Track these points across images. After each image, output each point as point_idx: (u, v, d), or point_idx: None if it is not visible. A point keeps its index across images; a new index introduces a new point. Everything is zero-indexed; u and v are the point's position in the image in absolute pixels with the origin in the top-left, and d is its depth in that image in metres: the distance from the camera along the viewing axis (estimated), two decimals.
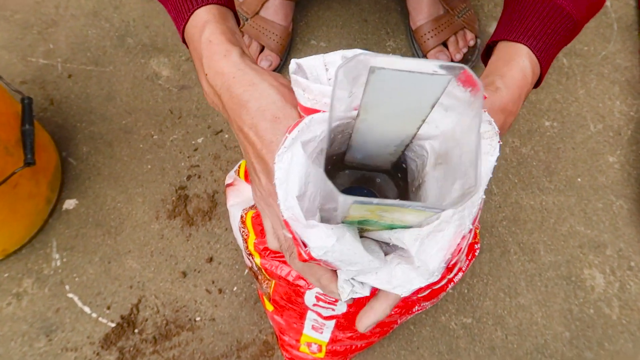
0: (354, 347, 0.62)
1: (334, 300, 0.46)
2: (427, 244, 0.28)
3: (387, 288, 0.29)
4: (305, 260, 0.28)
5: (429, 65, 0.20)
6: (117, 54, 0.88)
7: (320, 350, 0.61)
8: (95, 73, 0.87)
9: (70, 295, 0.73)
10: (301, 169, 0.28)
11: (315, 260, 0.28)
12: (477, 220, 0.30)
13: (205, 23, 0.37)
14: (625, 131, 0.86)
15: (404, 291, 0.29)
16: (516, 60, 0.40)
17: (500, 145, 0.30)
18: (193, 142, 0.83)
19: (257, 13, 0.84)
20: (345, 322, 0.52)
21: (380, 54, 0.21)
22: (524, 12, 0.41)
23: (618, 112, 0.87)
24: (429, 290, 0.29)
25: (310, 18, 0.93)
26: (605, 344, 0.73)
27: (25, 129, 0.66)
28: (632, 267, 0.77)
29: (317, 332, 0.57)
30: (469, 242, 0.29)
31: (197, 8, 0.38)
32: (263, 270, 0.50)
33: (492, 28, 0.93)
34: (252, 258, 0.50)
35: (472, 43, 0.87)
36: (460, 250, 0.28)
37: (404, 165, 0.34)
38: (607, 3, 0.96)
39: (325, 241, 0.27)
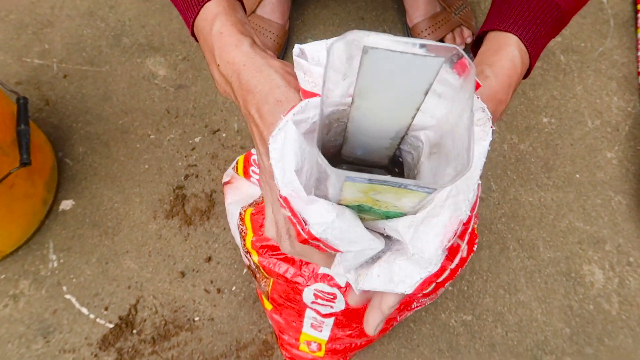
0: (353, 345, 0.61)
1: (332, 297, 0.46)
2: (421, 230, 0.27)
3: (390, 288, 0.29)
4: (304, 241, 0.28)
5: (420, 47, 0.20)
6: (113, 54, 0.88)
7: (319, 349, 0.61)
8: (91, 73, 0.86)
9: (67, 296, 0.73)
10: (295, 145, 0.28)
11: (314, 239, 0.28)
12: (475, 209, 0.29)
13: (215, 15, 0.38)
14: (623, 127, 0.86)
15: (407, 287, 0.28)
16: (505, 50, 0.41)
17: (493, 131, 0.30)
18: (190, 141, 0.82)
19: (254, 11, 0.84)
20: (345, 319, 0.52)
21: (374, 32, 0.21)
22: (513, 2, 0.42)
23: (615, 108, 0.87)
24: (433, 285, 0.29)
25: (307, 16, 0.92)
26: (605, 340, 0.73)
27: (21, 129, 0.65)
28: (631, 262, 0.77)
29: (316, 330, 0.57)
30: (470, 231, 0.29)
31: (207, 1, 0.39)
32: (261, 268, 0.49)
33: None
34: (250, 256, 0.50)
35: (469, 40, 0.87)
36: (455, 234, 0.27)
37: (400, 160, 0.33)
38: None
39: (325, 217, 0.26)
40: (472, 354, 0.71)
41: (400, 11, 0.92)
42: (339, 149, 0.32)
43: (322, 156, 0.21)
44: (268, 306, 0.59)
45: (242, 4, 0.43)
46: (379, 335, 0.61)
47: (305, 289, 0.46)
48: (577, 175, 0.82)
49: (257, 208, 0.48)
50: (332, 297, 0.46)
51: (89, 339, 0.70)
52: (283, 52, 0.88)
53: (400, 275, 0.28)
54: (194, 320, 0.72)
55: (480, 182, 0.29)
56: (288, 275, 0.46)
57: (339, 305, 0.48)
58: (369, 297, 0.35)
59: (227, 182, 0.57)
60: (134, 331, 0.71)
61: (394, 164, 0.34)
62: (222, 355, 0.70)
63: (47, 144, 0.78)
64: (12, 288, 0.73)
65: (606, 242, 0.78)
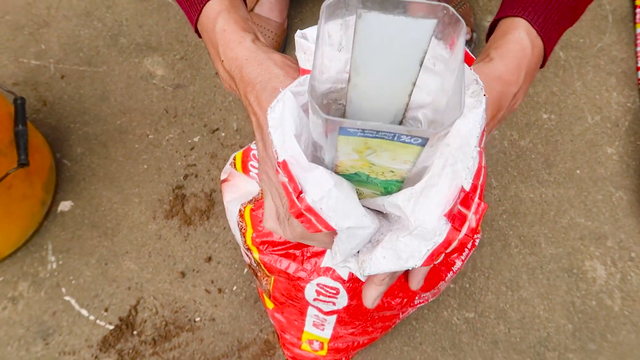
0: (356, 343, 0.61)
1: (335, 292, 0.45)
2: (421, 201, 0.27)
3: (400, 265, 0.29)
4: (297, 214, 0.28)
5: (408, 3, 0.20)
6: (110, 54, 0.87)
7: (322, 348, 0.61)
8: (88, 73, 0.86)
9: (67, 298, 0.72)
10: (294, 112, 0.28)
11: (308, 210, 0.27)
12: (480, 178, 0.29)
13: (218, 13, 0.39)
14: (623, 122, 0.86)
15: (417, 261, 0.28)
16: (512, 33, 0.40)
17: (486, 99, 0.30)
18: (189, 141, 0.82)
19: (252, 10, 0.84)
20: (347, 317, 0.51)
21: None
22: None
23: (615, 103, 0.87)
24: (443, 256, 0.29)
25: (305, 15, 0.92)
26: (608, 336, 0.72)
27: (19, 129, 0.65)
28: (633, 258, 0.77)
29: (318, 328, 0.57)
30: (478, 202, 0.29)
31: (209, 0, 0.40)
32: (262, 266, 0.49)
33: (487, 22, 0.93)
34: (251, 253, 0.49)
35: (468, 37, 0.86)
36: (455, 202, 0.27)
37: None
38: None
39: (323, 184, 0.26)
40: (474, 352, 0.71)
41: None
42: None
43: (317, 106, 0.21)
44: (269, 305, 0.59)
45: (245, 1, 0.43)
46: (381, 333, 0.60)
47: (307, 286, 0.46)
48: (578, 171, 0.82)
49: (257, 204, 0.48)
50: (334, 292, 0.46)
51: (89, 340, 0.70)
52: (281, 51, 0.87)
53: (407, 251, 0.28)
54: (194, 321, 0.71)
55: (479, 149, 0.29)
56: (290, 271, 0.46)
57: (342, 302, 0.47)
58: (384, 291, 0.35)
59: (225, 180, 0.56)
60: (135, 332, 0.70)
61: None
62: (224, 356, 0.70)
63: (45, 144, 0.77)
64: (11, 290, 0.72)
65: (608, 237, 0.78)
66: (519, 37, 0.40)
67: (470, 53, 0.36)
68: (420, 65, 0.22)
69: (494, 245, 0.77)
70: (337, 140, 0.23)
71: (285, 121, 0.28)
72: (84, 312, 0.71)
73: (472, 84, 0.30)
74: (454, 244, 0.28)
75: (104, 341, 0.70)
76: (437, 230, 0.27)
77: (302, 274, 0.45)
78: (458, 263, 0.47)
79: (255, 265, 0.51)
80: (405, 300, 0.48)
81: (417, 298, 0.49)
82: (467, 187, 0.28)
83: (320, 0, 0.93)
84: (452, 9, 0.22)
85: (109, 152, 0.81)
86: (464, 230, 0.28)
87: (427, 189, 0.27)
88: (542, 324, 0.73)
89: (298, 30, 0.35)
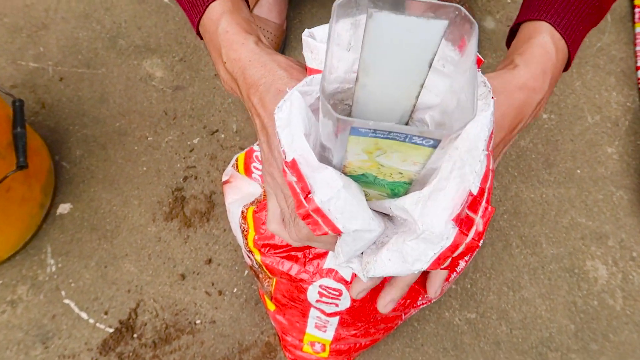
0: (357, 345, 0.61)
1: (337, 294, 0.45)
2: (429, 205, 0.27)
3: (406, 268, 0.28)
4: (305, 215, 0.28)
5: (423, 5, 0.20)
6: (109, 56, 0.87)
7: (324, 350, 0.60)
8: (87, 75, 0.85)
9: (66, 301, 0.72)
10: (303, 111, 0.28)
11: (316, 211, 0.27)
12: (488, 181, 0.29)
13: (221, 15, 0.39)
14: (623, 122, 0.86)
15: (423, 264, 0.28)
16: (536, 38, 0.39)
17: (495, 101, 0.30)
18: (189, 142, 0.82)
19: (251, 11, 0.84)
20: (350, 318, 0.51)
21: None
22: None
23: (615, 103, 0.87)
24: (449, 260, 0.29)
25: (304, 16, 0.92)
26: (610, 336, 0.72)
27: (17, 132, 0.65)
28: (635, 257, 0.77)
29: (320, 330, 0.56)
30: (485, 206, 0.28)
31: (213, 1, 0.40)
32: (264, 267, 0.48)
33: (487, 22, 0.93)
34: (252, 255, 0.49)
35: None
36: (463, 206, 0.27)
37: None
38: None
39: (332, 185, 0.26)
40: (476, 353, 0.71)
41: None
42: None
43: (329, 106, 0.21)
44: (271, 307, 0.58)
45: (247, 3, 0.43)
46: (383, 334, 0.60)
47: (310, 287, 0.46)
48: (578, 171, 0.82)
49: (260, 206, 0.48)
50: (337, 294, 0.45)
51: (88, 344, 0.69)
52: (280, 52, 0.87)
53: (413, 254, 0.28)
54: (195, 323, 0.71)
55: (487, 153, 0.29)
56: (292, 273, 0.45)
57: (344, 303, 0.47)
58: (371, 287, 0.35)
59: (227, 182, 0.56)
60: (135, 335, 0.70)
61: None
62: (224, 358, 0.69)
63: (43, 147, 0.77)
64: (9, 294, 0.72)
65: (609, 237, 0.78)
66: (543, 41, 0.39)
67: (478, 55, 0.36)
68: (429, 67, 0.22)
69: (495, 246, 0.77)
70: (347, 141, 0.23)
71: (293, 120, 0.28)
72: (84, 315, 0.71)
73: (480, 86, 0.30)
74: (461, 248, 0.28)
75: (104, 344, 0.69)
76: (444, 235, 0.27)
77: (304, 276, 0.45)
78: (461, 263, 0.47)
79: (257, 267, 0.51)
80: (409, 301, 0.48)
81: (420, 299, 0.48)
82: (475, 191, 0.27)
83: (319, 2, 0.93)
84: (464, 10, 0.22)
85: (108, 154, 0.80)
86: (471, 234, 0.27)
87: (435, 192, 0.27)
88: (544, 324, 0.72)
89: (305, 30, 0.35)
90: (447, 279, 0.47)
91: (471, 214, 0.28)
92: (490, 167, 0.29)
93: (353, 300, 0.47)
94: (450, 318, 0.72)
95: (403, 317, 0.56)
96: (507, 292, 0.74)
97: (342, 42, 0.26)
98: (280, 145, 0.28)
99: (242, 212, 0.48)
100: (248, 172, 0.50)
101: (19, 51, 0.86)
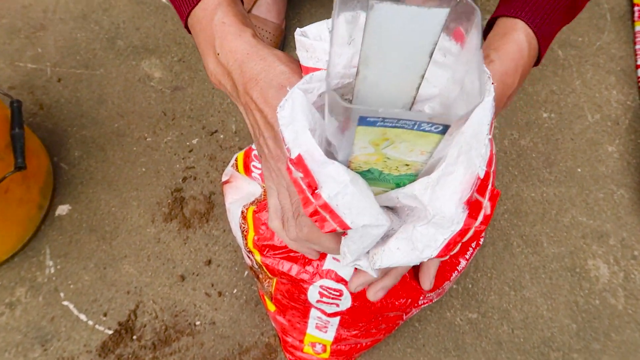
0: (358, 345, 0.60)
1: (338, 294, 0.45)
2: (438, 190, 0.27)
3: (415, 256, 0.28)
4: (312, 212, 0.27)
5: None
6: (107, 57, 0.87)
7: (324, 350, 0.60)
8: (85, 76, 0.85)
9: (65, 303, 0.71)
10: (306, 108, 0.28)
11: (323, 207, 0.27)
12: (492, 165, 0.29)
13: (217, 6, 0.38)
14: (623, 120, 0.85)
15: (433, 251, 0.28)
16: (512, 34, 0.41)
17: (494, 86, 0.30)
18: (188, 143, 0.81)
19: (249, 11, 0.83)
20: (350, 318, 0.51)
21: None
22: None
23: (615, 101, 0.87)
24: (459, 246, 0.28)
25: (303, 15, 0.92)
26: (612, 335, 0.72)
27: (15, 132, 0.64)
28: (636, 256, 0.76)
29: (321, 331, 0.56)
30: (491, 189, 0.28)
31: None
32: (264, 268, 0.48)
33: (485, 21, 0.93)
34: (252, 256, 0.49)
35: None
36: (472, 189, 0.27)
37: None
38: None
39: (339, 179, 0.26)
40: (478, 353, 0.70)
41: None
42: None
43: (337, 97, 0.21)
44: (271, 307, 0.58)
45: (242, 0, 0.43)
46: (384, 335, 0.60)
47: (310, 287, 0.45)
48: (579, 170, 0.82)
49: (259, 206, 0.47)
50: (338, 294, 0.45)
51: (88, 346, 0.69)
52: None
53: (423, 240, 0.28)
54: (195, 325, 0.70)
55: (491, 137, 0.29)
56: (292, 273, 0.45)
57: (345, 304, 0.46)
58: (370, 281, 0.35)
59: (226, 182, 0.56)
60: (134, 337, 0.69)
61: None
62: None
63: (42, 148, 0.77)
64: (8, 296, 0.71)
65: (610, 236, 0.77)
66: (518, 38, 0.40)
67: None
68: (430, 57, 0.22)
69: (496, 245, 0.76)
70: (354, 133, 0.23)
71: (296, 117, 0.28)
72: (83, 317, 0.70)
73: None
74: (470, 233, 0.27)
75: (103, 346, 0.69)
76: (455, 218, 0.27)
77: (304, 276, 0.45)
78: (463, 262, 0.47)
79: (257, 267, 0.51)
80: (410, 300, 0.47)
81: (421, 298, 0.48)
82: (482, 175, 0.27)
83: (318, 2, 0.93)
84: None
85: (106, 155, 0.80)
86: (480, 217, 0.27)
87: (444, 177, 0.27)
88: (545, 324, 0.72)
89: (297, 29, 0.34)
90: (448, 278, 0.47)
91: (479, 198, 0.28)
92: (493, 152, 0.30)
93: (354, 300, 0.46)
94: (452, 318, 0.72)
95: (404, 317, 0.56)
96: (509, 291, 0.74)
97: (344, 36, 0.26)
98: (285, 143, 0.28)
99: (242, 212, 0.48)
100: (247, 171, 0.49)
101: (17, 52, 0.86)
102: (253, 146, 0.51)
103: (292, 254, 0.46)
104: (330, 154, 0.27)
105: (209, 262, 0.74)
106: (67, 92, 0.84)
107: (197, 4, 0.39)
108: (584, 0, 0.44)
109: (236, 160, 0.51)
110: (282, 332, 0.61)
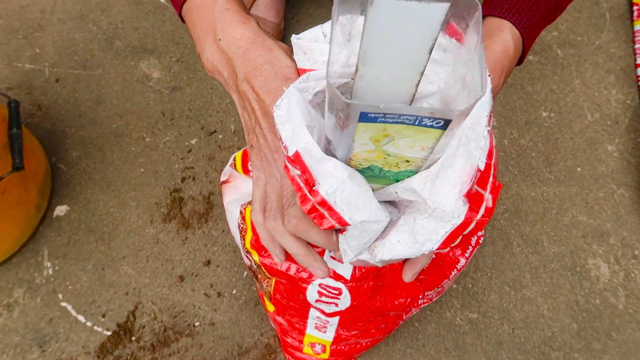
0: (358, 345, 0.60)
1: (337, 292, 0.44)
2: (438, 184, 0.27)
3: (416, 249, 0.28)
4: (310, 209, 0.27)
5: None
6: (105, 57, 0.86)
7: (324, 351, 0.60)
8: (83, 77, 0.85)
9: (63, 304, 0.71)
10: (302, 105, 0.28)
11: (321, 204, 0.27)
12: (493, 158, 0.29)
13: None
14: (623, 119, 0.85)
15: (434, 244, 0.28)
16: (498, 35, 0.41)
17: (491, 78, 0.30)
18: (186, 143, 0.81)
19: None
20: (350, 318, 0.50)
21: None
22: None
23: (614, 100, 0.87)
24: (460, 238, 0.28)
25: (301, 15, 0.92)
26: (613, 334, 0.71)
27: (13, 133, 0.64)
28: (637, 255, 0.76)
29: (320, 331, 0.56)
30: (492, 181, 0.28)
31: None
32: (262, 268, 0.48)
33: None
34: (251, 256, 0.48)
35: None
36: (472, 182, 0.27)
37: None
38: None
39: (337, 175, 0.26)
40: (479, 353, 0.70)
41: None
42: None
43: (338, 93, 0.21)
44: (270, 308, 0.58)
45: None
46: (384, 335, 0.60)
47: (309, 286, 0.45)
48: (579, 169, 0.81)
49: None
50: (337, 292, 0.45)
51: (86, 347, 0.68)
52: None
53: (424, 234, 0.28)
54: (194, 326, 0.70)
55: (489, 128, 0.28)
56: (291, 273, 0.45)
57: (344, 303, 0.46)
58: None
59: (225, 181, 0.55)
60: (133, 338, 0.69)
61: None
62: None
63: (40, 149, 0.76)
64: (6, 297, 0.71)
65: (610, 235, 0.77)
66: (505, 39, 0.41)
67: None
68: (430, 53, 0.22)
69: (496, 245, 0.76)
70: (355, 130, 0.22)
71: (293, 115, 0.27)
72: (81, 318, 0.70)
73: None
74: (472, 225, 0.27)
75: (102, 348, 0.68)
76: (455, 212, 0.27)
77: (303, 275, 0.45)
78: (462, 261, 0.47)
79: (255, 267, 0.50)
80: (409, 300, 0.47)
81: (421, 297, 0.48)
82: (482, 167, 0.27)
83: (316, 1, 0.93)
84: None
85: (105, 155, 0.80)
86: (482, 210, 0.27)
87: (443, 170, 0.27)
88: (546, 324, 0.72)
89: (293, 35, 0.34)
90: (448, 276, 0.47)
91: (480, 190, 0.27)
92: (494, 144, 0.29)
93: (353, 300, 0.46)
94: (452, 318, 0.72)
95: (404, 317, 0.56)
96: (509, 291, 0.73)
97: (344, 34, 0.26)
98: (282, 141, 0.28)
99: (241, 212, 0.48)
100: (246, 170, 0.49)
101: (14, 53, 0.86)
102: None
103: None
104: (329, 152, 0.27)
105: (208, 262, 0.73)
106: (65, 92, 0.84)
107: None
108: (566, 1, 0.44)
109: (234, 159, 0.50)
110: (282, 332, 0.61)
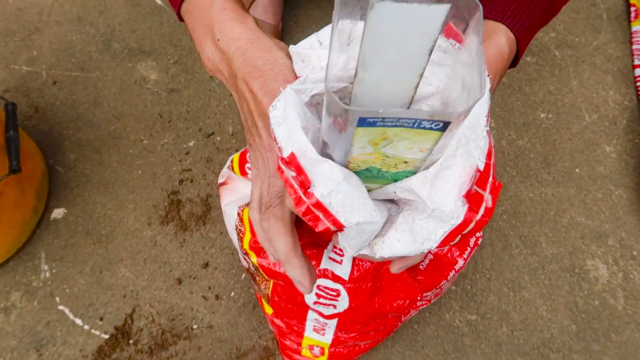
0: (357, 348, 0.60)
1: (335, 294, 0.44)
2: (437, 184, 0.27)
3: (415, 248, 0.28)
4: (305, 212, 0.27)
5: None
6: (103, 59, 0.86)
7: (322, 353, 0.59)
8: (81, 79, 0.85)
9: (60, 307, 0.70)
10: (298, 106, 0.28)
11: (316, 206, 0.26)
12: (492, 158, 0.29)
13: None
14: (621, 120, 0.85)
15: (432, 243, 0.27)
16: (493, 38, 0.41)
17: (490, 78, 0.30)
18: (184, 145, 0.81)
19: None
20: (348, 320, 0.50)
21: None
22: None
23: (612, 101, 0.87)
24: (459, 237, 0.28)
25: (299, 17, 0.92)
26: (612, 336, 0.71)
27: (10, 135, 0.64)
28: (635, 256, 0.76)
29: (318, 333, 0.55)
30: (492, 181, 0.28)
31: None
32: (260, 270, 0.48)
33: None
34: (249, 257, 0.48)
35: None
36: (471, 182, 0.27)
37: None
38: None
39: (332, 177, 0.26)
40: (478, 354, 0.70)
41: None
42: None
43: (337, 99, 0.20)
44: (268, 310, 0.57)
45: None
46: (382, 337, 0.59)
47: None
48: (577, 170, 0.81)
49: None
50: (335, 294, 0.44)
51: (84, 350, 0.68)
52: None
53: (423, 233, 0.28)
54: (192, 329, 0.70)
55: (488, 128, 0.28)
56: None
57: (343, 304, 0.46)
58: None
59: (223, 183, 0.55)
60: (131, 341, 0.69)
61: None
62: None
63: (37, 151, 0.76)
64: (3, 300, 0.70)
65: (609, 236, 0.77)
66: (499, 42, 0.41)
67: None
68: (430, 55, 0.22)
69: (494, 246, 0.76)
70: (353, 135, 0.22)
71: (289, 116, 0.27)
72: (79, 321, 0.70)
73: None
74: (471, 225, 0.27)
75: (99, 351, 0.68)
76: (454, 212, 0.26)
77: None
78: (460, 262, 0.46)
79: (253, 269, 0.50)
80: (408, 301, 0.47)
81: (419, 299, 0.48)
82: (482, 167, 0.27)
83: (314, 3, 0.93)
84: None
85: (102, 158, 0.79)
86: (481, 210, 0.27)
87: (442, 170, 0.27)
88: (545, 325, 0.72)
89: (290, 45, 0.34)
90: (446, 277, 0.47)
91: (480, 191, 0.27)
92: (492, 144, 0.29)
93: (351, 301, 0.46)
94: (451, 320, 0.71)
95: (402, 318, 0.55)
96: (508, 293, 0.73)
97: (343, 38, 0.26)
98: (277, 142, 0.27)
99: (238, 213, 0.48)
100: (243, 172, 0.49)
101: (12, 55, 0.86)
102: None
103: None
104: (325, 154, 0.27)
105: (206, 265, 0.73)
106: (62, 94, 0.83)
107: None
108: (560, 3, 0.44)
109: (232, 161, 0.50)
110: (280, 335, 0.61)
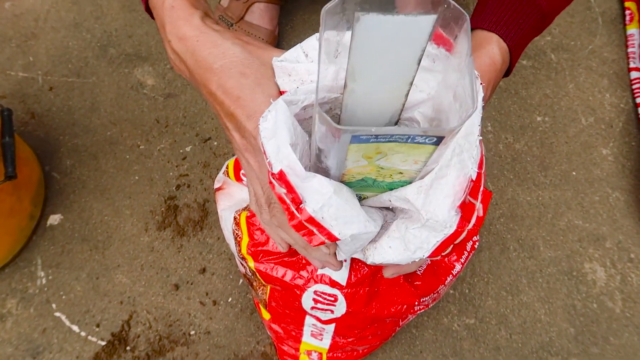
0: (355, 353, 0.59)
1: (333, 299, 0.44)
2: (431, 194, 0.27)
3: (407, 256, 0.28)
4: (298, 226, 0.27)
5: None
6: (99, 65, 0.86)
7: (320, 359, 0.59)
8: (77, 85, 0.85)
9: (57, 314, 0.70)
10: (289, 121, 0.28)
11: (309, 221, 0.26)
12: (483, 167, 0.29)
13: None
14: (617, 123, 0.86)
15: (425, 252, 0.27)
16: (486, 48, 0.41)
17: (483, 87, 0.30)
18: (181, 150, 0.81)
19: (242, 18, 0.83)
20: (346, 325, 0.50)
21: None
22: (497, 1, 0.43)
23: (608, 104, 0.87)
24: (451, 247, 0.28)
25: (296, 22, 0.92)
26: (610, 339, 0.71)
27: (5, 141, 0.63)
28: (632, 258, 0.76)
29: (316, 339, 0.55)
30: (482, 190, 0.28)
31: None
32: (257, 275, 0.47)
33: None
34: (246, 262, 0.48)
35: None
36: (464, 192, 0.27)
37: None
38: None
39: (323, 192, 0.26)
40: (476, 359, 0.69)
41: None
42: None
43: (325, 115, 0.20)
44: (266, 315, 0.57)
45: None
46: (380, 341, 0.59)
47: (304, 294, 0.45)
48: (574, 173, 0.82)
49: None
50: (332, 299, 0.44)
51: (80, 357, 0.68)
52: None
53: (416, 242, 0.28)
54: (189, 334, 0.69)
55: (481, 137, 0.29)
56: (286, 279, 0.44)
57: (340, 309, 0.46)
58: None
59: (219, 189, 0.55)
60: (128, 348, 0.68)
61: None
62: None
63: (33, 157, 0.76)
64: None
65: (606, 239, 0.77)
66: (492, 52, 0.41)
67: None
68: (419, 64, 0.21)
69: (492, 250, 0.76)
70: (347, 150, 0.22)
71: (279, 131, 0.27)
72: (75, 328, 0.69)
73: None
74: (463, 235, 0.27)
75: (96, 358, 0.68)
76: (447, 222, 0.26)
77: (299, 282, 0.44)
78: (457, 266, 0.46)
79: (250, 274, 0.50)
80: (405, 306, 0.47)
81: (417, 304, 0.47)
82: (474, 177, 0.27)
83: (310, 8, 0.93)
84: (453, 2, 0.22)
85: (99, 163, 0.79)
86: (473, 220, 0.27)
87: (437, 180, 0.27)
88: (543, 329, 0.71)
89: (274, 58, 0.33)
90: (443, 282, 0.47)
91: (472, 200, 0.27)
92: (483, 152, 0.29)
93: (348, 306, 0.46)
94: (449, 324, 0.71)
95: (400, 323, 0.55)
96: (506, 296, 0.73)
97: (331, 50, 0.26)
98: (266, 156, 0.27)
99: (235, 218, 0.47)
100: (239, 178, 0.49)
101: (7, 61, 0.85)
102: None
103: (286, 259, 0.45)
104: (320, 161, 0.27)
105: (204, 270, 0.73)
106: (58, 100, 0.83)
107: None
108: (553, 14, 0.44)
109: (227, 167, 0.50)
110: (278, 340, 0.60)
